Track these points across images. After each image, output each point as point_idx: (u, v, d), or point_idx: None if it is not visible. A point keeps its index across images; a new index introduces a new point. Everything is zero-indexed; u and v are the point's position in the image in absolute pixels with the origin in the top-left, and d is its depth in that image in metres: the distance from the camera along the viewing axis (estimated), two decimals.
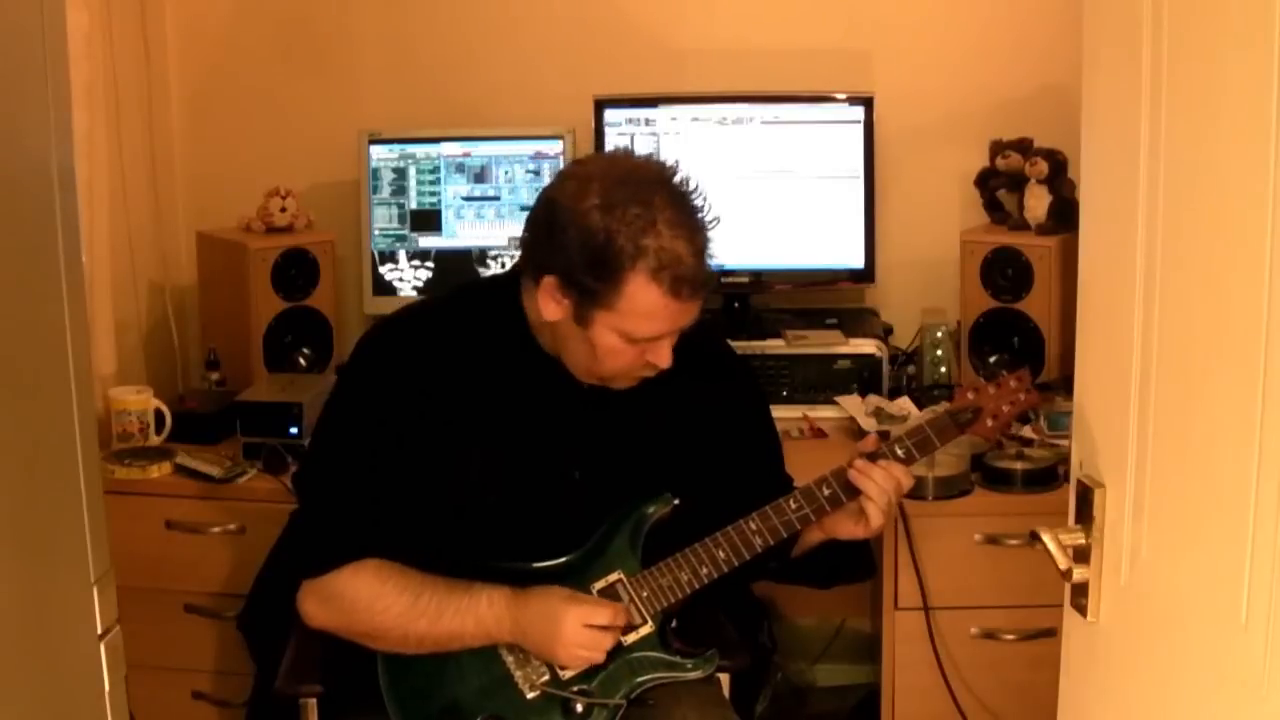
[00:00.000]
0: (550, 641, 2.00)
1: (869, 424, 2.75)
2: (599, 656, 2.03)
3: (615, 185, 1.93)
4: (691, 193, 1.97)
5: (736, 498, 2.10)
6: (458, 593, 2.03)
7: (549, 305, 1.99)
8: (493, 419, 2.08)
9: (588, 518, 2.11)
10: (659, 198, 1.93)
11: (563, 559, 2.09)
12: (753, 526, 2.05)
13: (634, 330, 1.96)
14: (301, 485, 2.16)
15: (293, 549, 2.14)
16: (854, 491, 2.06)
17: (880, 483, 2.04)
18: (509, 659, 2.05)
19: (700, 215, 1.97)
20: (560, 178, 2.03)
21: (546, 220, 1.98)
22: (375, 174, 3.17)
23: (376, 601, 2.02)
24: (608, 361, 2.01)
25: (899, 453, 2.08)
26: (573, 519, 2.10)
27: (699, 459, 2.16)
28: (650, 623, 2.06)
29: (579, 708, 2.03)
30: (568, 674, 2.04)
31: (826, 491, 2.07)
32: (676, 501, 2.11)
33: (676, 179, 1.97)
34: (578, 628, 2.00)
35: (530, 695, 2.04)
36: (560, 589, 2.04)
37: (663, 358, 2.00)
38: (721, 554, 2.06)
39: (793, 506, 2.06)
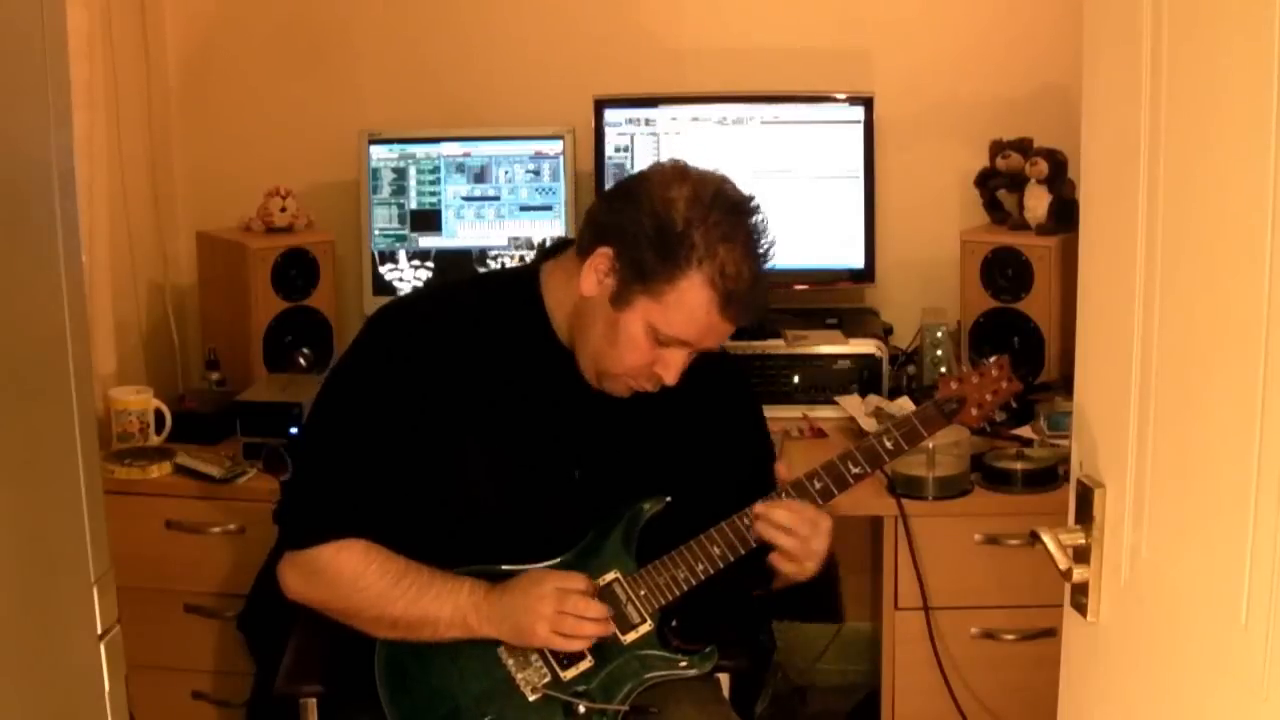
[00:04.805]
0: (529, 612, 1.99)
1: (869, 424, 2.75)
2: (579, 644, 2.01)
3: (710, 191, 1.97)
4: (766, 235, 1.99)
5: (728, 501, 2.09)
6: (440, 579, 2.03)
7: (589, 279, 1.99)
8: (498, 410, 2.08)
9: (583, 518, 2.10)
10: (745, 221, 1.97)
11: (556, 560, 2.09)
12: (746, 522, 2.06)
13: (666, 327, 1.96)
14: (296, 454, 2.13)
15: (280, 515, 2.12)
16: (845, 486, 2.07)
17: (788, 525, 2.02)
18: (509, 661, 2.05)
19: (768, 259, 1.99)
20: (659, 164, 2.05)
21: (630, 191, 2.01)
22: (375, 174, 3.17)
23: (358, 580, 2.01)
24: (623, 355, 2.00)
25: (887, 444, 2.08)
26: (568, 518, 2.10)
27: (696, 464, 2.16)
28: (649, 621, 2.06)
29: (581, 709, 2.03)
30: (569, 675, 2.04)
31: (818, 485, 2.07)
32: (669, 499, 2.10)
33: (760, 217, 1.99)
34: (553, 591, 1.99)
35: (531, 698, 2.03)
36: (539, 571, 2.04)
37: (671, 374, 2.00)
38: (717, 550, 2.06)
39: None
